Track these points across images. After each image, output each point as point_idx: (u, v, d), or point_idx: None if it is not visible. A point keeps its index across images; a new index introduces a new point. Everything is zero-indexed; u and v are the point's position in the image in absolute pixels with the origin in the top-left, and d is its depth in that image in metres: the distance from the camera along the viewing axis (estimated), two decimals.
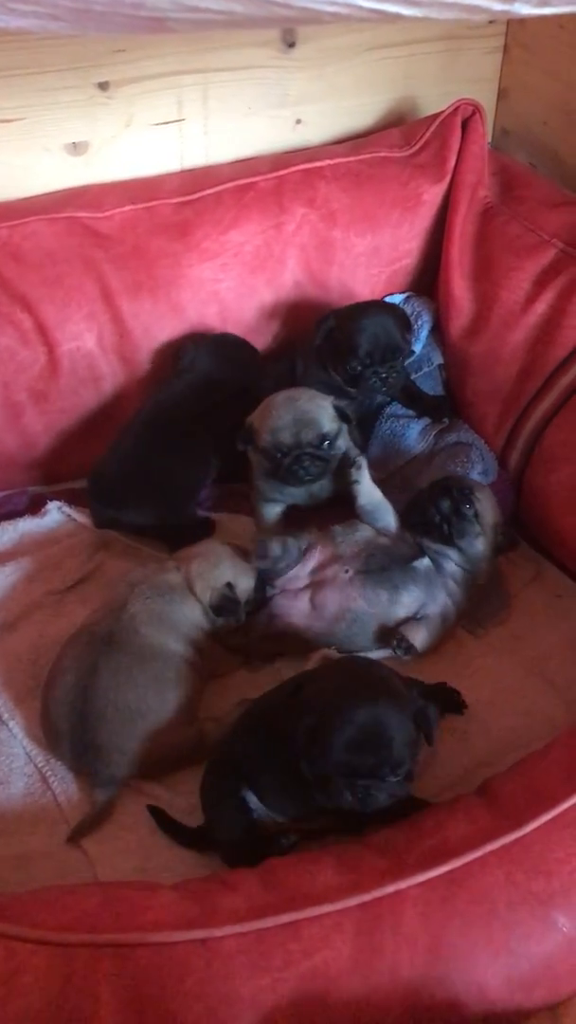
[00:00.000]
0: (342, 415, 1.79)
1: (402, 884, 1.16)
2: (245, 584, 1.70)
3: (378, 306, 2.01)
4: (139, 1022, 1.05)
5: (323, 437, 1.75)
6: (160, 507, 1.90)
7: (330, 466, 1.79)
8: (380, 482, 2.01)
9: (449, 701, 1.65)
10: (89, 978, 1.07)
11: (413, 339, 2.05)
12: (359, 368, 1.91)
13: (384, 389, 1.97)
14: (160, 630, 1.62)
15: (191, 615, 1.66)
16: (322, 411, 1.77)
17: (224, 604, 1.66)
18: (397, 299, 2.15)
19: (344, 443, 1.81)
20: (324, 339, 1.94)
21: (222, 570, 1.68)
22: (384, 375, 1.93)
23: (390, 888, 1.16)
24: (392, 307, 2.04)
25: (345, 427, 1.80)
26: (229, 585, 1.67)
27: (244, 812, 1.46)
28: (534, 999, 1.18)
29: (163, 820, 1.53)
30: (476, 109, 2.06)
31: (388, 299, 2.14)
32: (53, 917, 1.14)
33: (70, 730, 1.56)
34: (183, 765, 1.59)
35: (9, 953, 1.07)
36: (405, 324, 1.98)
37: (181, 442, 1.90)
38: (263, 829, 1.46)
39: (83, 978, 1.07)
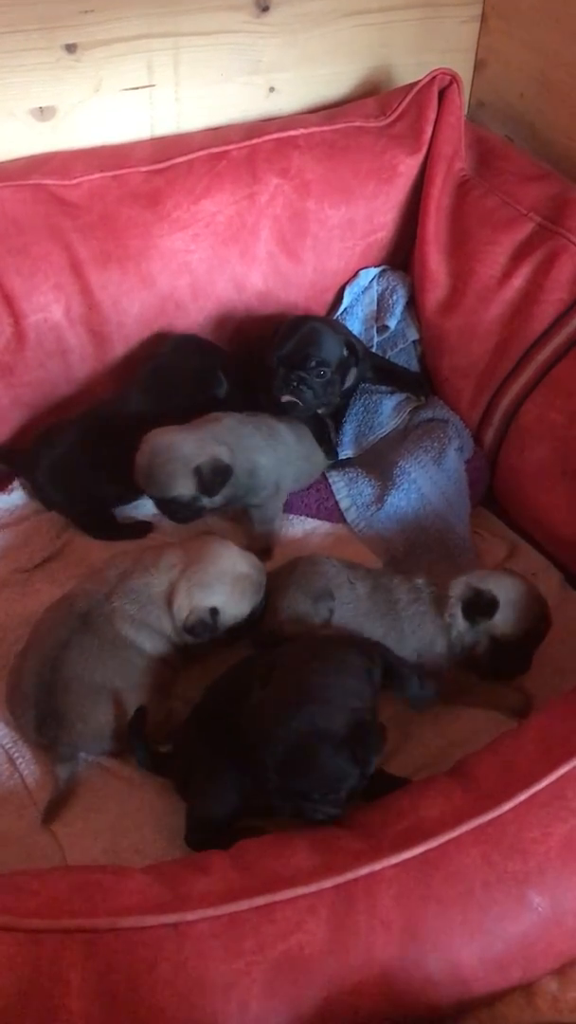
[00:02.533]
0: (205, 482, 1.72)
1: (377, 865, 1.15)
2: (235, 611, 1.59)
3: (323, 321, 1.95)
4: (110, 1008, 1.03)
5: (170, 500, 1.75)
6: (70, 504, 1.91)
7: (196, 514, 1.78)
8: (355, 459, 1.99)
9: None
10: (58, 964, 1.05)
11: (349, 370, 1.95)
12: (274, 364, 1.86)
13: (282, 395, 1.86)
14: (138, 631, 1.58)
15: (169, 626, 1.60)
16: (175, 474, 1.72)
17: (198, 629, 1.57)
18: (372, 273, 2.12)
19: (216, 501, 1.77)
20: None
21: (212, 592, 1.57)
22: (293, 381, 1.84)
23: (365, 870, 1.15)
24: (339, 331, 1.94)
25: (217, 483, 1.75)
26: (214, 611, 1.57)
27: (236, 785, 1.43)
28: (509, 979, 1.18)
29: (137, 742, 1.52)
30: (453, 79, 2.02)
31: (363, 272, 2.12)
32: (21, 903, 1.11)
33: (35, 696, 1.54)
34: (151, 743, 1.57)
35: None
36: (341, 351, 1.89)
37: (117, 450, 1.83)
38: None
39: (52, 964, 1.05)
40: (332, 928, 1.10)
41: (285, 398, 1.87)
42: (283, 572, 1.70)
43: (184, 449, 1.73)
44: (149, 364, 1.95)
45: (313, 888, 1.13)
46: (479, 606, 1.60)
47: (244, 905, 1.11)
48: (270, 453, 1.83)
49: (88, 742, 1.54)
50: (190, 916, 1.09)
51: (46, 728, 1.54)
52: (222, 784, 1.43)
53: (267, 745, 1.32)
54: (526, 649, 1.64)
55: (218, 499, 1.77)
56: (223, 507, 1.84)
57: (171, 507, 1.77)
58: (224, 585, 1.58)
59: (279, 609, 1.64)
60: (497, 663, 1.63)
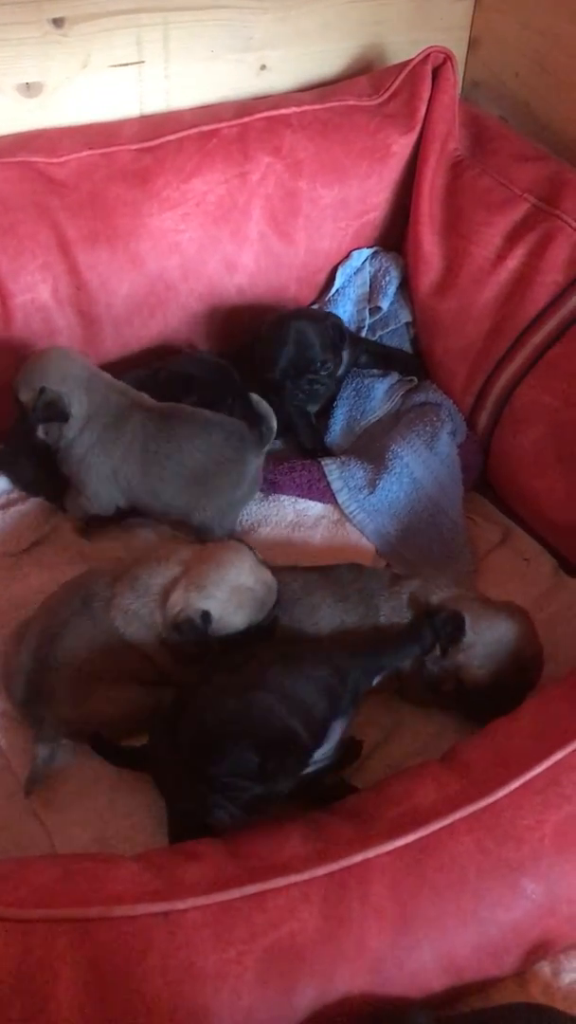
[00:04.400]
0: (32, 404, 1.69)
1: (370, 853, 1.15)
2: (229, 621, 1.49)
3: (301, 316, 1.94)
4: (100, 999, 1.02)
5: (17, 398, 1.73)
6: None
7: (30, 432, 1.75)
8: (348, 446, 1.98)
9: None
10: (48, 955, 1.04)
11: (343, 350, 1.95)
12: (278, 379, 1.87)
13: (307, 402, 1.92)
14: (135, 626, 1.53)
15: (160, 622, 1.53)
16: (29, 379, 1.71)
17: (184, 628, 1.48)
18: (365, 254, 2.09)
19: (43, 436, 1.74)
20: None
21: (206, 596, 1.49)
22: (305, 387, 1.88)
23: (358, 857, 1.14)
24: (319, 317, 1.96)
25: None
26: (206, 615, 1.49)
27: None
28: (502, 967, 1.18)
29: (100, 745, 1.52)
30: (447, 57, 1.99)
31: (355, 253, 2.09)
32: (9, 892, 1.10)
33: (29, 669, 1.53)
34: (139, 729, 1.54)
35: None
36: (331, 335, 1.90)
37: None
38: None
39: (41, 955, 1.04)
40: (324, 916, 1.09)
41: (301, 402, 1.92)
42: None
43: (56, 373, 1.71)
44: (146, 370, 1.92)
45: (305, 876, 1.12)
46: (445, 627, 1.50)
47: (235, 893, 1.10)
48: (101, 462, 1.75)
49: (70, 727, 1.53)
50: (181, 905, 1.08)
51: (33, 705, 1.52)
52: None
53: (195, 719, 1.31)
54: (499, 699, 1.47)
55: (43, 436, 1.74)
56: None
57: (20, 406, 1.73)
58: (221, 591, 1.50)
59: None
60: (464, 705, 1.54)
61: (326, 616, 1.57)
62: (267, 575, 1.54)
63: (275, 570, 1.58)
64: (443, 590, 1.59)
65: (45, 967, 1.03)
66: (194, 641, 1.48)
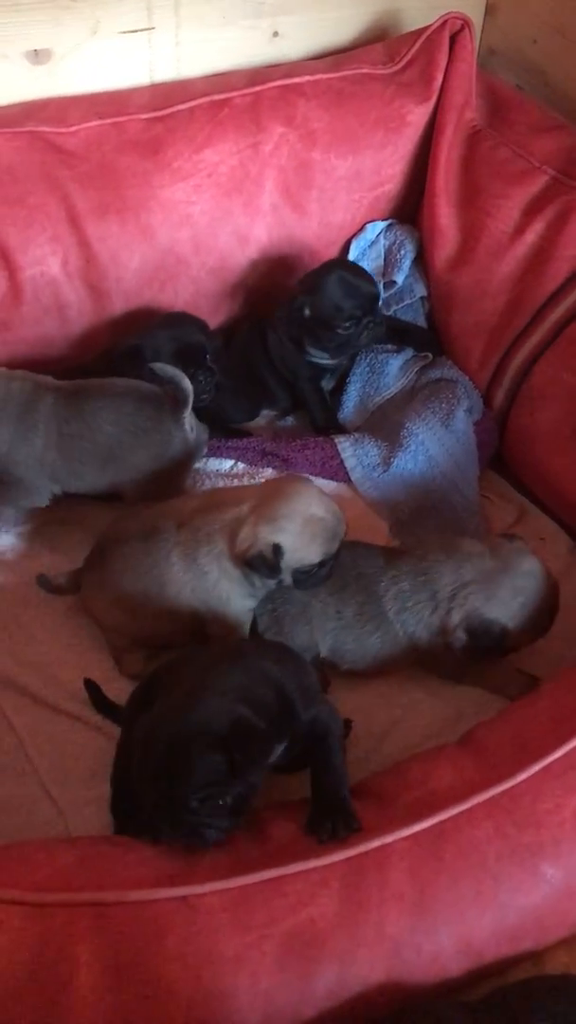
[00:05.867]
0: None
1: (388, 838, 1.14)
2: (301, 555, 1.45)
3: (337, 264, 1.95)
4: (119, 983, 1.02)
5: None
6: None
7: None
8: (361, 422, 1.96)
9: None
10: (67, 939, 1.03)
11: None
12: (351, 327, 1.86)
13: (371, 344, 1.95)
14: (191, 574, 1.51)
15: (230, 573, 1.50)
16: None
17: (255, 563, 1.45)
18: (379, 226, 2.06)
19: None
20: (299, 319, 1.89)
21: (277, 528, 1.45)
22: (370, 326, 1.89)
23: (376, 842, 1.14)
24: (347, 260, 2.01)
25: None
26: (277, 547, 1.44)
27: None
28: (520, 950, 1.18)
29: (97, 697, 1.56)
30: (465, 24, 1.95)
31: (370, 226, 2.07)
32: (27, 875, 1.10)
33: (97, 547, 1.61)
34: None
35: None
36: (365, 271, 1.94)
37: None
38: None
39: (61, 939, 1.03)
40: (343, 902, 1.09)
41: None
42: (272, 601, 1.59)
43: None
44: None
45: (324, 861, 1.12)
46: (486, 636, 1.50)
47: (254, 878, 1.09)
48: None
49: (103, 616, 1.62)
50: (199, 889, 1.08)
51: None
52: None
53: (145, 749, 1.23)
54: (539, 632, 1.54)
55: None
56: None
57: None
58: (293, 523, 1.45)
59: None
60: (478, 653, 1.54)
61: (318, 614, 1.56)
62: (334, 505, 1.52)
63: None
64: (443, 562, 1.54)
65: (64, 951, 1.02)
66: (264, 574, 1.46)
